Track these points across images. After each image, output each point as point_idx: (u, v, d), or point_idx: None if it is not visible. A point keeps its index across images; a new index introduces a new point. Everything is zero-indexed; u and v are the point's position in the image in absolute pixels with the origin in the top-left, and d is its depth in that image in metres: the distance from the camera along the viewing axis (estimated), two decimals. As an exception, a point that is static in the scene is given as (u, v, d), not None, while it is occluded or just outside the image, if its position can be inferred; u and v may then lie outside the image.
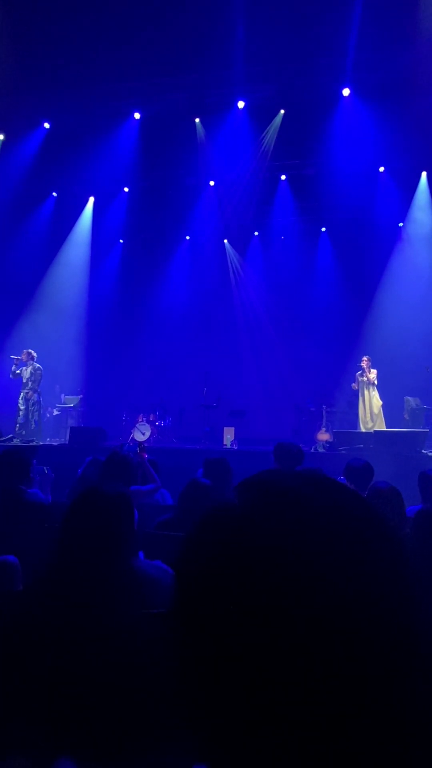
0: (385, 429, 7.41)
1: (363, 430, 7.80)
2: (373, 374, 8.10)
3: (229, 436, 8.39)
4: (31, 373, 8.05)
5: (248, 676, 0.32)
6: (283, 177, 9.95)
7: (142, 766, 0.93)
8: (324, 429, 8.57)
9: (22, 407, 7.97)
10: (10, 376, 8.10)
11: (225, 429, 8.58)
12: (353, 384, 8.25)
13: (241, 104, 8.50)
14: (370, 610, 0.33)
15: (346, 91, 8.09)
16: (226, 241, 11.37)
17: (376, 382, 8.09)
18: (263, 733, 0.32)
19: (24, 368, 8.05)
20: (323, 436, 8.31)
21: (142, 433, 8.72)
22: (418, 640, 0.35)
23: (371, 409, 7.99)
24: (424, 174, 9.56)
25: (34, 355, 8.16)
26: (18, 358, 8.05)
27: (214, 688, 0.33)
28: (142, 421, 9.17)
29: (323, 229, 10.96)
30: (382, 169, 9.42)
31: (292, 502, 0.37)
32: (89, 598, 1.12)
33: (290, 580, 0.33)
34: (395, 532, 0.38)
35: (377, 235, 10.22)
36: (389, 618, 0.34)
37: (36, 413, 8.03)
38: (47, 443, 7.98)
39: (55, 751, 0.86)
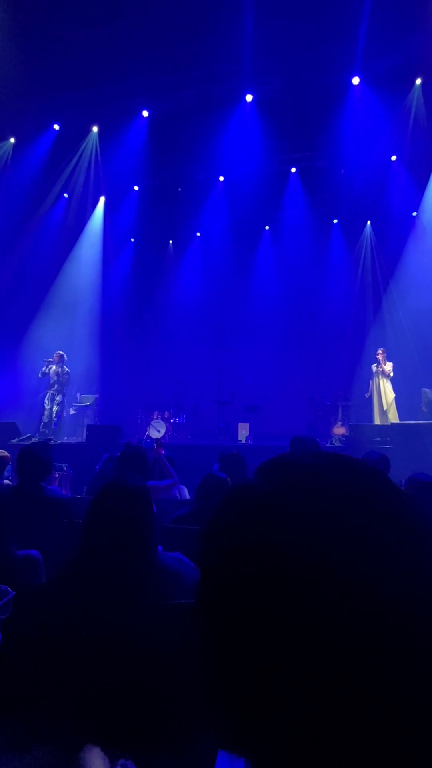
0: (400, 421, 7.31)
1: (378, 422, 7.74)
2: (388, 366, 8.03)
3: (244, 431, 8.38)
4: (59, 375, 8.24)
5: (275, 661, 0.32)
6: (293, 170, 9.84)
7: (166, 754, 0.94)
8: (339, 423, 8.50)
9: (47, 407, 8.13)
10: (39, 375, 8.32)
11: (240, 425, 8.57)
12: (367, 394, 8.24)
13: (249, 98, 8.43)
14: (403, 592, 0.32)
15: (355, 80, 7.95)
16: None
17: (391, 374, 8.02)
18: (290, 721, 0.31)
19: (53, 368, 8.24)
20: (339, 430, 8.25)
21: (157, 431, 8.75)
22: None
23: (385, 401, 7.93)
24: (437, 161, 9.35)
25: (65, 357, 8.37)
26: (50, 360, 8.28)
27: (238, 673, 0.33)
28: (157, 418, 9.22)
29: (335, 221, 10.83)
30: (394, 158, 9.25)
31: (313, 480, 0.36)
32: (113, 589, 1.13)
33: (317, 558, 0.32)
34: (421, 511, 0.37)
35: (390, 226, 10.06)
36: (423, 597, 0.33)
37: (58, 413, 8.21)
38: (65, 441, 8.09)
39: (81, 740, 0.87)
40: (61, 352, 8.34)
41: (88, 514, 1.21)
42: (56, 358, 8.27)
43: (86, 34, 6.94)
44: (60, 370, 8.22)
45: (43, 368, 8.22)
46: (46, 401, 8.12)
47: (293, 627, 0.32)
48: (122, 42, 7.06)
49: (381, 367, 8.03)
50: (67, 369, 8.33)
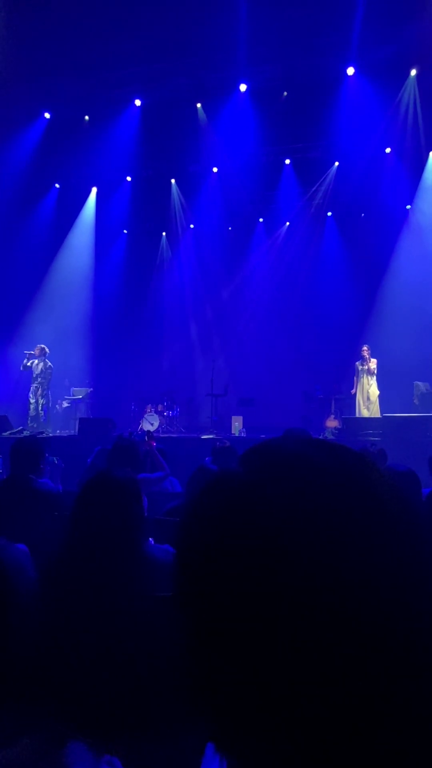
0: (393, 414, 7.36)
1: (358, 416, 7.84)
2: (373, 364, 8.10)
3: (237, 424, 8.40)
4: (42, 369, 8.19)
5: (254, 650, 0.31)
6: (287, 161, 9.78)
7: (154, 746, 0.93)
8: (333, 416, 8.54)
9: (32, 401, 8.11)
10: (21, 368, 8.24)
11: (233, 418, 8.59)
12: (352, 390, 8.30)
13: (243, 87, 8.34)
14: (386, 581, 0.31)
15: (350, 70, 7.89)
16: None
17: (375, 372, 8.10)
18: (272, 710, 0.31)
19: (35, 362, 8.17)
20: (332, 423, 8.30)
21: (150, 424, 8.77)
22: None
23: (368, 397, 8.01)
24: (431, 154, 9.34)
25: (47, 351, 8.29)
26: (31, 353, 8.19)
27: (218, 662, 0.32)
28: (151, 411, 9.21)
29: (329, 214, 10.80)
30: (388, 150, 9.22)
31: (297, 466, 0.35)
32: (101, 581, 1.12)
33: (296, 545, 0.31)
34: (404, 492, 0.36)
35: (385, 218, 10.05)
36: (405, 589, 0.32)
37: (45, 405, 8.17)
38: (57, 434, 8.06)
39: (67, 733, 0.86)
40: (42, 346, 8.25)
41: (75, 507, 1.20)
42: (38, 351, 8.18)
43: (77, 21, 6.81)
44: (42, 364, 8.16)
45: (25, 361, 8.15)
46: (30, 395, 8.10)
47: (275, 616, 0.31)
48: (114, 30, 6.94)
49: (366, 365, 8.09)
50: (49, 363, 8.28)
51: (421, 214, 9.69)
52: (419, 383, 8.19)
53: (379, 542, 0.32)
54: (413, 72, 7.95)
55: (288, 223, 10.97)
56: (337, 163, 9.56)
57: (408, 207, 9.93)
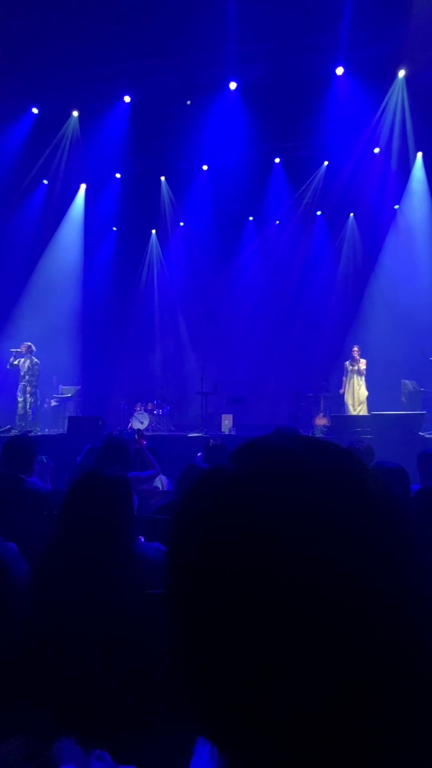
0: (381, 412, 7.44)
1: (346, 415, 7.90)
2: (363, 364, 8.17)
3: (227, 422, 8.41)
4: (29, 367, 8.11)
5: (245, 647, 0.31)
6: (277, 160, 9.79)
7: (143, 743, 0.94)
8: (321, 414, 8.60)
9: (20, 399, 8.03)
10: (8, 366, 8.14)
11: (223, 416, 8.60)
12: (341, 390, 8.36)
13: (233, 85, 8.32)
14: (372, 576, 0.32)
15: (339, 70, 7.92)
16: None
17: (364, 372, 8.16)
18: (264, 707, 0.31)
19: (22, 360, 8.08)
20: (321, 420, 8.35)
21: (140, 422, 8.74)
22: (421, 607, 0.34)
23: (358, 397, 8.08)
24: (419, 155, 9.43)
25: (33, 348, 8.20)
26: (18, 351, 8.09)
27: (210, 659, 0.32)
28: (141, 409, 9.17)
29: (318, 213, 10.84)
30: (377, 150, 9.28)
31: (286, 462, 0.35)
32: (91, 580, 1.12)
33: (285, 541, 0.32)
34: (391, 489, 0.37)
35: (373, 218, 10.12)
36: (391, 583, 0.33)
37: (33, 404, 8.10)
38: (45, 433, 8.00)
39: (57, 731, 0.87)
40: (29, 344, 8.16)
41: (64, 506, 1.20)
42: (24, 349, 8.09)
43: (66, 14, 6.73)
44: (29, 362, 8.08)
45: (11, 359, 8.06)
46: (19, 393, 8.02)
47: (266, 613, 0.31)
48: (104, 24, 6.87)
49: (356, 365, 8.15)
50: (36, 360, 8.19)
51: (408, 214, 9.79)
52: (406, 381, 8.28)
53: (367, 538, 0.33)
54: (401, 73, 8.01)
55: (278, 222, 10.99)
56: (326, 163, 9.60)
57: (396, 207, 10.01)
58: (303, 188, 10.02)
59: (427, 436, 6.34)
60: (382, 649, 0.31)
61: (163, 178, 10.35)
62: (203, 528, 0.34)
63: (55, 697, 1.00)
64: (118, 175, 10.12)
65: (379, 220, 10.05)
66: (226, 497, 0.35)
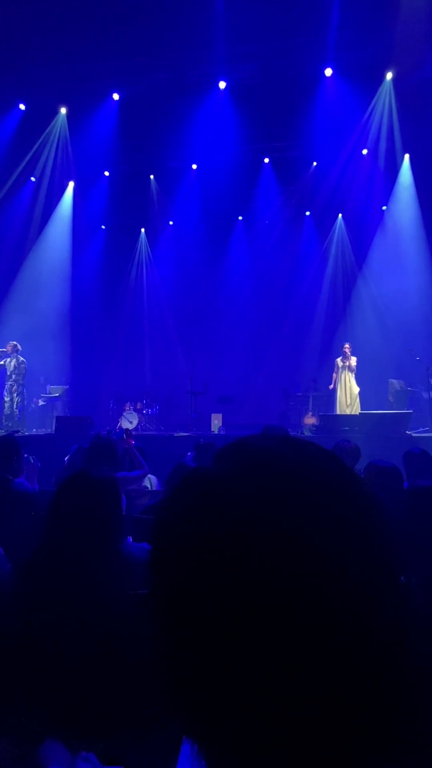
0: (368, 411, 7.51)
1: (339, 413, 7.96)
2: (353, 361, 8.23)
3: (216, 422, 8.42)
4: (15, 366, 8.02)
5: (228, 645, 0.31)
6: (266, 160, 9.82)
7: (129, 744, 0.94)
8: (310, 413, 8.65)
9: (7, 399, 7.94)
10: None
11: (213, 415, 8.60)
12: (330, 386, 8.42)
13: (222, 84, 8.32)
14: (352, 572, 0.32)
15: (328, 71, 7.97)
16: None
17: (355, 369, 8.23)
18: (246, 707, 0.31)
19: (8, 360, 7.98)
20: (309, 420, 8.40)
21: (129, 422, 8.69)
22: (403, 601, 0.34)
23: (350, 394, 8.14)
24: (407, 156, 9.53)
25: (19, 347, 8.11)
26: (3, 350, 7.99)
27: (189, 658, 0.32)
28: (130, 409, 9.13)
29: (307, 213, 10.90)
30: (365, 151, 9.36)
31: (268, 462, 0.36)
32: (78, 581, 1.11)
33: (266, 541, 0.32)
34: (371, 490, 0.37)
35: (361, 219, 10.21)
36: (371, 576, 0.33)
37: (20, 404, 8.01)
38: (33, 433, 7.92)
39: (44, 732, 0.86)
40: (14, 343, 8.08)
41: (51, 506, 1.19)
42: (10, 348, 8.00)
43: (55, 10, 6.66)
44: (15, 361, 7.99)
45: None
46: (5, 393, 7.93)
47: (248, 612, 0.31)
48: (92, 21, 6.81)
49: (347, 362, 8.21)
50: (22, 359, 8.10)
51: (396, 215, 9.89)
52: (393, 381, 8.37)
53: (350, 538, 0.33)
54: (389, 75, 8.09)
55: (267, 222, 11.02)
56: (315, 163, 9.65)
57: (384, 208, 10.11)
58: (292, 188, 10.06)
59: (414, 434, 6.42)
60: (365, 650, 0.32)
61: (152, 177, 10.31)
62: (186, 527, 0.34)
63: (41, 698, 0.99)
64: (106, 173, 10.06)
65: (367, 221, 10.14)
66: (209, 497, 0.35)
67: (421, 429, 6.95)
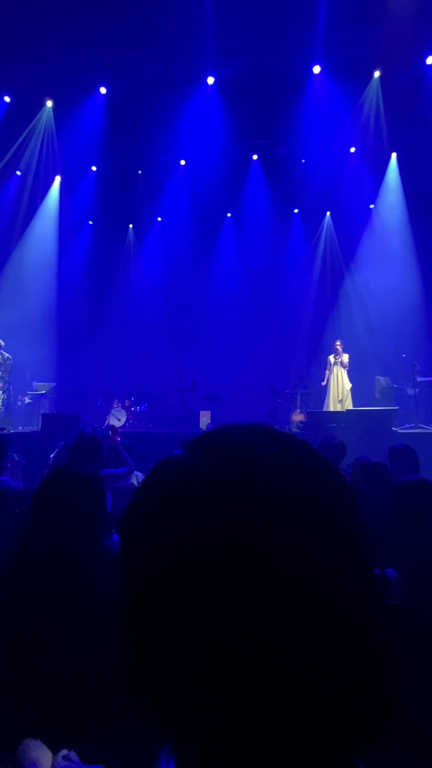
0: (355, 408, 7.59)
1: (332, 409, 8.01)
2: (345, 358, 8.29)
3: (205, 419, 8.42)
4: (0, 363, 7.90)
5: (196, 638, 0.31)
6: (255, 157, 9.81)
7: (113, 744, 0.93)
8: (298, 410, 8.70)
9: (-8, 396, 7.83)
10: None
11: (201, 412, 8.60)
12: (323, 382, 8.47)
13: (210, 80, 8.28)
14: (321, 559, 0.32)
15: (316, 69, 7.98)
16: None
17: (347, 366, 8.28)
18: (217, 703, 0.30)
19: None
20: (297, 416, 8.45)
21: (117, 419, 8.65)
22: (371, 585, 0.34)
23: (342, 390, 8.20)
24: (394, 155, 9.60)
25: (2, 343, 7.99)
26: None
27: (157, 652, 0.32)
28: (118, 406, 9.08)
29: (296, 211, 10.93)
30: (353, 149, 9.41)
31: (237, 451, 0.35)
32: (60, 579, 1.10)
33: (235, 529, 0.31)
34: (345, 479, 0.37)
35: (349, 217, 10.27)
36: (342, 565, 0.33)
37: (5, 401, 7.91)
38: (19, 431, 7.83)
39: (25, 731, 0.85)
40: None
41: (33, 503, 1.17)
42: None
43: (42, 1, 6.55)
44: (0, 357, 7.89)
45: None
46: None
47: (218, 601, 0.31)
48: (80, 13, 6.72)
49: (339, 358, 8.27)
50: (8, 356, 7.99)
51: (383, 213, 9.97)
52: (380, 378, 8.45)
53: (317, 526, 0.32)
54: (376, 74, 8.13)
55: (255, 219, 11.03)
56: (303, 161, 9.67)
57: (371, 206, 10.18)
58: (280, 186, 10.07)
59: (400, 431, 6.50)
60: (337, 641, 0.31)
61: (140, 172, 10.23)
62: (154, 516, 0.34)
63: (22, 697, 0.98)
64: (94, 168, 9.95)
65: (355, 219, 10.21)
66: (177, 485, 0.34)
67: (407, 425, 7.04)
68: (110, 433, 3.01)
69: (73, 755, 0.82)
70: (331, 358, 8.39)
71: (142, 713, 0.34)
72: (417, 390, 7.50)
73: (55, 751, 0.83)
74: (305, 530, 0.32)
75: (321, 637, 0.31)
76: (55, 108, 8.77)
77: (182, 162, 9.89)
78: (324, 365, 8.72)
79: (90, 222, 11.09)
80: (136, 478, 3.14)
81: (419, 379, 7.76)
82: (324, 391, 8.61)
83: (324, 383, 8.50)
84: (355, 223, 10.23)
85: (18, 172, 9.65)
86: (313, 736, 0.31)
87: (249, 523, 0.32)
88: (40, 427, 7.35)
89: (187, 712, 0.31)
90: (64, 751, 0.83)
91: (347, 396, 8.20)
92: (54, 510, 1.14)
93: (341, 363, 8.25)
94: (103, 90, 8.49)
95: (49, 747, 0.83)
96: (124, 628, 0.34)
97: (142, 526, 0.34)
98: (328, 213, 10.79)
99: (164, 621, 0.31)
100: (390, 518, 1.27)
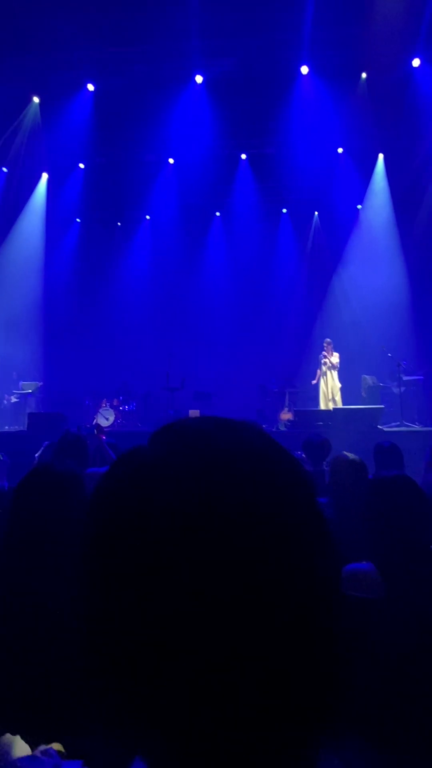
0: (341, 407, 7.65)
1: (323, 407, 8.06)
2: (335, 357, 8.34)
3: (193, 418, 8.41)
4: None
5: (159, 630, 0.30)
6: (243, 156, 9.82)
7: (91, 739, 0.93)
8: (287, 409, 8.74)
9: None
10: None
11: (190, 411, 8.59)
12: (313, 381, 8.51)
13: (199, 78, 8.26)
14: (280, 547, 0.32)
15: (304, 69, 8.01)
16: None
17: (337, 366, 8.33)
18: (175, 698, 0.30)
19: None
20: (285, 415, 8.49)
21: (105, 418, 8.60)
22: (330, 575, 0.35)
23: (332, 389, 8.25)
24: (381, 156, 9.69)
25: None
26: None
27: (117, 644, 0.31)
28: (106, 406, 9.03)
29: (284, 211, 10.97)
30: (340, 150, 9.47)
31: (196, 440, 0.36)
32: (40, 578, 1.10)
33: (195, 519, 0.32)
34: (303, 468, 0.38)
35: (337, 217, 10.34)
36: (300, 554, 0.33)
37: None
38: (5, 430, 7.75)
39: (2, 727, 0.85)
40: None
41: (13, 501, 1.17)
42: None
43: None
44: None
45: None
46: None
47: (178, 589, 0.31)
48: (68, 8, 6.65)
49: (328, 358, 8.32)
50: None
51: (370, 214, 10.06)
52: (366, 377, 8.53)
53: (273, 515, 0.33)
54: (363, 75, 8.19)
55: (244, 218, 11.04)
56: (291, 161, 9.71)
57: (359, 207, 10.26)
58: (269, 185, 10.10)
59: (386, 429, 6.57)
60: (293, 625, 0.31)
61: (128, 170, 10.18)
62: (113, 506, 0.34)
63: (0, 693, 0.98)
64: (81, 165, 9.87)
65: (343, 219, 10.28)
66: (136, 474, 0.35)
67: (392, 423, 7.12)
68: (95, 431, 3.00)
69: (52, 751, 0.83)
70: (322, 357, 8.45)
71: (105, 714, 0.33)
72: (403, 389, 7.59)
73: (33, 747, 0.83)
74: (258, 514, 0.33)
75: (278, 622, 0.31)
76: (42, 104, 8.67)
77: (171, 160, 9.86)
78: (312, 364, 8.78)
79: (78, 220, 11.00)
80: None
81: (405, 378, 7.86)
82: (314, 389, 8.67)
83: (314, 382, 8.55)
84: (342, 223, 10.30)
85: (4, 169, 9.53)
86: (272, 727, 0.31)
87: (203, 509, 0.32)
88: (26, 426, 7.28)
89: (151, 711, 0.31)
90: (43, 747, 0.83)
91: (337, 395, 8.26)
92: (33, 508, 1.14)
93: (330, 364, 8.30)
94: (90, 87, 8.42)
95: (28, 743, 0.84)
96: (85, 617, 0.34)
97: (100, 516, 0.35)
98: (316, 213, 10.85)
99: (127, 610, 0.31)
100: (367, 513, 1.30)
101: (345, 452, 2.26)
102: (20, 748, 0.81)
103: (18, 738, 0.82)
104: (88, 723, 0.95)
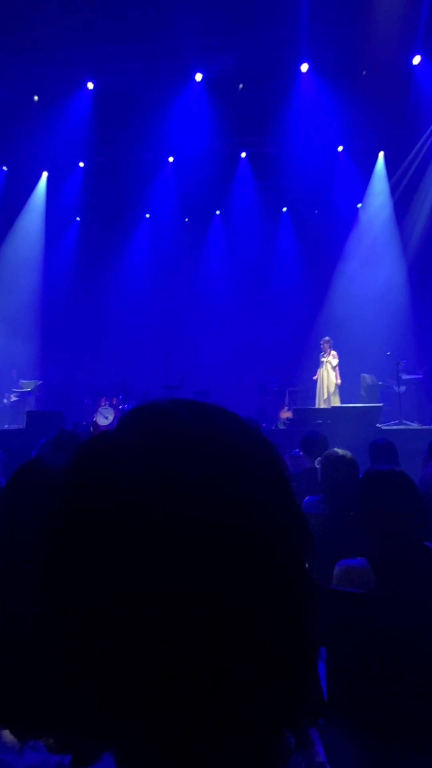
0: (341, 405, 7.64)
1: (318, 406, 8.06)
2: (333, 356, 8.34)
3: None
4: None
5: (126, 619, 0.30)
6: (243, 154, 9.81)
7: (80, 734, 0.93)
8: (286, 407, 8.74)
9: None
10: None
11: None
12: (314, 377, 8.51)
13: (198, 76, 8.25)
14: (249, 533, 0.32)
15: (304, 67, 8.00)
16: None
17: (335, 364, 8.32)
18: (145, 689, 0.29)
19: None
20: (285, 414, 8.49)
21: (105, 417, 8.59)
22: (299, 563, 0.34)
23: (329, 388, 8.25)
24: (381, 154, 9.67)
25: None
26: None
27: (84, 636, 0.31)
28: (105, 404, 9.02)
29: (284, 209, 10.96)
30: (340, 148, 9.46)
31: (161, 422, 0.35)
32: (30, 574, 1.10)
33: (165, 500, 0.31)
34: (276, 451, 0.37)
35: (337, 215, 10.33)
36: (270, 539, 0.33)
37: None
38: (4, 428, 7.76)
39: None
40: None
41: (4, 496, 1.16)
42: None
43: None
44: None
45: None
46: None
47: (145, 574, 0.30)
48: (67, 6, 6.64)
49: (327, 356, 8.32)
50: None
51: (370, 212, 10.04)
52: (365, 375, 8.52)
53: (238, 497, 0.32)
54: (364, 73, 8.16)
55: (244, 217, 11.04)
56: (291, 159, 9.70)
57: (359, 205, 10.24)
58: (269, 184, 10.09)
59: (384, 427, 6.57)
60: (261, 612, 0.31)
61: (128, 168, 10.17)
62: (74, 488, 0.34)
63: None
64: (81, 164, 9.86)
65: (343, 217, 10.27)
66: (97, 456, 0.35)
67: (391, 422, 7.12)
68: (92, 429, 3.00)
69: (40, 745, 0.82)
70: (322, 356, 8.45)
71: (71, 704, 0.33)
72: (402, 387, 7.58)
73: (21, 742, 0.83)
74: (223, 495, 0.32)
75: (244, 605, 0.31)
76: (41, 103, 8.67)
77: (170, 158, 9.85)
78: (312, 362, 8.78)
79: (77, 218, 11.00)
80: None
81: (404, 376, 7.85)
82: (314, 387, 8.66)
83: (315, 378, 8.54)
84: (342, 220, 10.29)
85: (4, 167, 9.53)
86: (242, 718, 0.30)
87: (165, 489, 0.32)
88: (25, 424, 7.28)
89: (117, 701, 0.30)
90: (31, 741, 0.83)
91: (334, 393, 8.26)
92: (23, 502, 1.13)
93: (329, 362, 8.30)
94: (90, 85, 8.41)
95: (17, 737, 0.83)
96: (52, 609, 0.33)
97: (67, 503, 0.34)
98: (316, 211, 10.84)
99: (87, 594, 0.31)
100: (360, 507, 1.29)
101: (336, 449, 2.26)
102: (10, 742, 0.81)
103: (7, 732, 0.82)
104: (58, 715, 0.95)
